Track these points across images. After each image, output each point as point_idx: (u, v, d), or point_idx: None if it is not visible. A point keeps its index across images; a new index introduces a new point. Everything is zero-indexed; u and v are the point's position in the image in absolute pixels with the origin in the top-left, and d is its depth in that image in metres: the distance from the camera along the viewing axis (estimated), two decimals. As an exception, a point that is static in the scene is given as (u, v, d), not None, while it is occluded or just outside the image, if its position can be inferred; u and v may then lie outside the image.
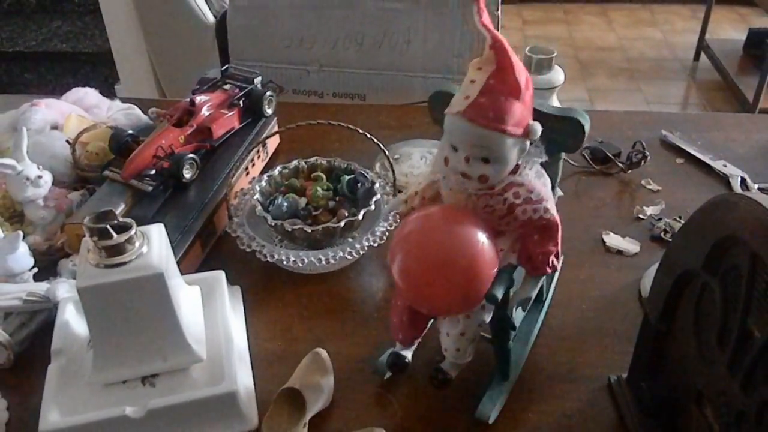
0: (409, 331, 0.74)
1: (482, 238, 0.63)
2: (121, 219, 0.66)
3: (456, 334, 0.71)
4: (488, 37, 0.60)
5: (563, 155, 0.80)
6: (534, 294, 0.71)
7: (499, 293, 0.65)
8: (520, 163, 0.65)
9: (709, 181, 1.13)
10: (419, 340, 0.76)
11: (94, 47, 2.67)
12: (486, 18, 0.60)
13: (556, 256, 0.69)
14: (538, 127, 0.62)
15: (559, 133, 0.71)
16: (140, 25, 1.94)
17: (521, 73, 0.61)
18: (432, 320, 0.77)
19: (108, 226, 0.65)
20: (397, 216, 0.93)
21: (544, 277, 0.73)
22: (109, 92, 1.28)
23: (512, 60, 0.60)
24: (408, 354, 0.75)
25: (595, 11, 4.00)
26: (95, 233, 0.65)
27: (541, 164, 0.69)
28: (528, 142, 0.63)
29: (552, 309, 0.88)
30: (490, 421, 0.74)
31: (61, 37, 2.76)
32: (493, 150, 0.62)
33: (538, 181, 0.67)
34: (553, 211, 0.67)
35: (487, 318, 0.71)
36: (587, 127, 0.71)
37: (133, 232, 0.67)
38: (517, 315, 0.78)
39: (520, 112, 0.61)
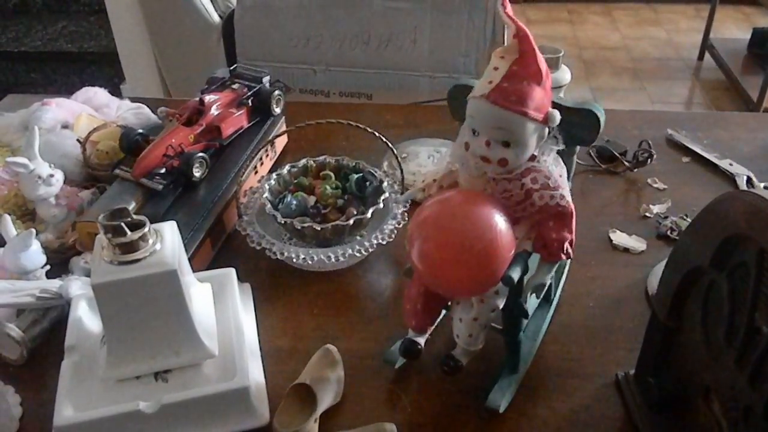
0: (422, 318, 0.75)
1: (500, 220, 0.65)
2: (134, 216, 0.67)
3: (469, 319, 0.72)
4: (512, 26, 0.62)
5: (577, 149, 0.81)
6: (548, 280, 0.72)
7: (516, 275, 0.66)
8: (536, 153, 0.67)
9: (715, 180, 1.14)
10: (432, 328, 0.77)
11: (99, 47, 2.68)
12: (510, 9, 0.62)
13: (571, 244, 0.70)
14: (557, 114, 0.64)
15: (575, 125, 0.72)
16: (146, 25, 1.94)
17: (542, 61, 0.63)
18: (445, 311, 0.78)
19: (122, 224, 0.65)
20: (406, 214, 0.94)
21: (555, 268, 0.73)
22: (114, 92, 1.28)
23: (534, 47, 0.62)
24: (421, 341, 0.76)
25: (600, 11, 4.00)
26: (109, 230, 0.66)
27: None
28: (546, 129, 0.66)
29: (560, 306, 0.89)
30: (501, 410, 0.75)
31: (67, 37, 2.77)
32: (514, 133, 0.63)
33: (555, 168, 0.69)
34: (569, 198, 0.69)
35: (500, 304, 0.72)
36: (603, 120, 0.73)
37: (146, 229, 0.67)
38: (531, 303, 0.78)
39: (540, 97, 0.63)
